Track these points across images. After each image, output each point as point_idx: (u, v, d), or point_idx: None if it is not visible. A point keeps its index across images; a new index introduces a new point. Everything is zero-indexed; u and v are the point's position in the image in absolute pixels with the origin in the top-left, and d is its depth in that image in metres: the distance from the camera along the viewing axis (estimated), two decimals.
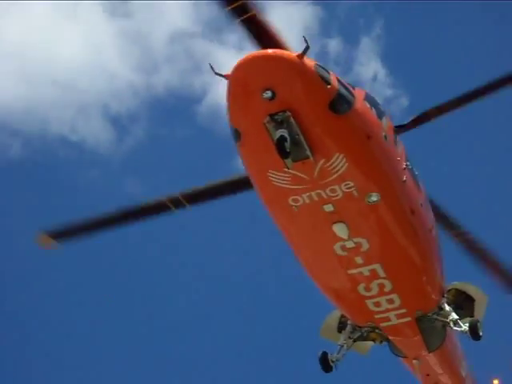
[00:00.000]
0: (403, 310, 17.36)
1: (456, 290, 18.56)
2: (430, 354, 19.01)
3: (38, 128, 39.87)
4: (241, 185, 16.67)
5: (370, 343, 19.48)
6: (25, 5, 37.91)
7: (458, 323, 17.72)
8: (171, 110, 41.88)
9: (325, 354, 18.06)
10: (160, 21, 37.92)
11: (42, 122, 40.16)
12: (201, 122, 41.98)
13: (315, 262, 16.54)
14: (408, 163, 15.97)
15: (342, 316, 18.93)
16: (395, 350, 19.29)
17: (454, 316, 17.79)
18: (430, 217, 16.89)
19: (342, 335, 18.66)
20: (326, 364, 17.98)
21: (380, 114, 15.02)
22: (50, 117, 40.13)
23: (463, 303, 18.52)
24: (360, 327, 18.43)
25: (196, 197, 17.34)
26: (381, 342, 19.13)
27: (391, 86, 40.95)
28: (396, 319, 17.61)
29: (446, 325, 18.14)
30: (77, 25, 41.18)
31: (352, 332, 18.62)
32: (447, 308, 17.83)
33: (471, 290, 18.63)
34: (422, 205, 16.32)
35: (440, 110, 16.35)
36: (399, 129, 16.23)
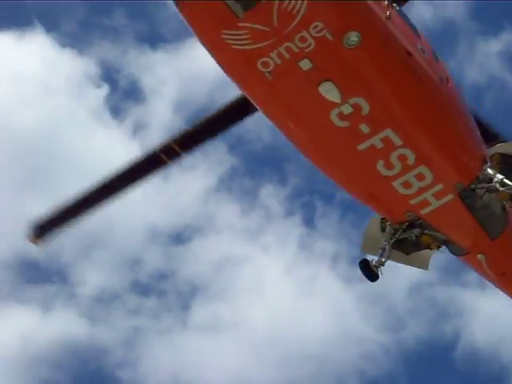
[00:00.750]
0: (440, 187, 14.77)
1: (500, 154, 15.66)
2: (494, 243, 16.02)
3: None
4: (238, 109, 14.93)
5: (428, 252, 16.79)
6: (271, 290, 40.01)
7: (505, 182, 14.93)
8: (427, 363, 40.48)
9: (365, 261, 15.56)
10: (397, 278, 37.19)
11: None
12: (459, 368, 40.06)
13: (317, 144, 14.31)
14: (395, 5, 13.61)
15: (383, 221, 16.24)
16: (454, 249, 16.40)
17: (499, 176, 15.00)
18: (439, 66, 14.41)
19: (382, 237, 16.03)
20: (369, 271, 15.46)
21: None
22: None
23: None
24: (401, 224, 15.69)
25: (191, 140, 15.56)
26: (438, 247, 16.37)
27: None
28: (435, 200, 14.95)
29: (504, 203, 15.51)
30: (317, 299, 41.66)
31: (394, 233, 15.95)
32: (490, 171, 15.04)
33: None
34: (423, 50, 13.90)
35: None
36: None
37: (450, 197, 14.91)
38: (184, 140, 15.53)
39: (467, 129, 14.88)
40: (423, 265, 17.08)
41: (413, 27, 14.02)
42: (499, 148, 15.57)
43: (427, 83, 13.81)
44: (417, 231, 15.83)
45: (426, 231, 15.84)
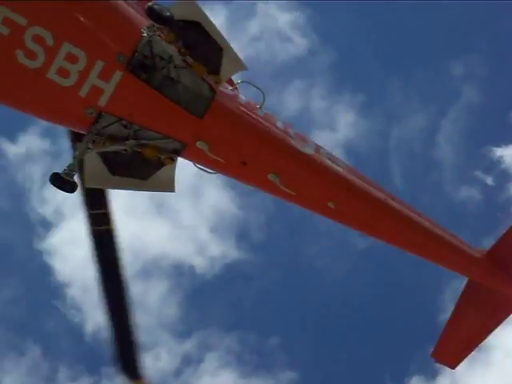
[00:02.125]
0: (100, 64, 12.79)
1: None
2: (206, 122, 13.92)
3: None
4: None
5: (167, 171, 14.42)
6: None
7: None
8: None
9: (55, 174, 13.59)
10: None
11: None
12: None
13: None
14: None
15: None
16: (178, 149, 14.27)
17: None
18: None
19: (77, 150, 13.81)
20: (62, 182, 13.50)
21: None
22: None
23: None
24: (91, 128, 13.54)
25: None
26: (171, 159, 14.22)
27: None
28: (106, 83, 12.93)
29: (204, 77, 13.62)
30: None
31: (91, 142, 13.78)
32: (149, 32, 13.01)
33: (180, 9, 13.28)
34: None
35: None
36: None
37: (118, 74, 12.94)
38: None
39: None
40: (168, 186, 14.72)
41: None
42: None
43: None
44: (131, 144, 13.79)
45: (142, 141, 13.83)
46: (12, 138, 37.26)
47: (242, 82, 14.76)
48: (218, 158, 14.22)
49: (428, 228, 16.89)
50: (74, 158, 13.67)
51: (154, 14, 12.57)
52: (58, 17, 12.25)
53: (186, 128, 13.84)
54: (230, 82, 14.81)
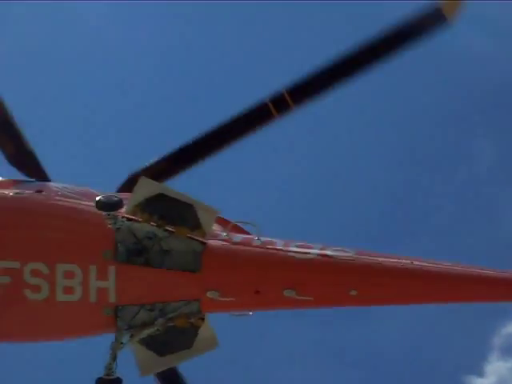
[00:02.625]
0: (94, 267, 14.26)
1: (138, 205, 14.72)
2: (205, 275, 15.03)
3: None
4: None
5: (204, 331, 15.32)
6: None
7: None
8: None
9: (99, 379, 14.54)
10: None
11: None
12: None
13: None
14: None
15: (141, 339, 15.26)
16: (197, 309, 15.26)
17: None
18: None
19: (111, 349, 14.75)
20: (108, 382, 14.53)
21: None
22: None
23: None
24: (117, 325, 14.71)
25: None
26: (201, 319, 15.27)
27: None
28: (107, 282, 14.37)
29: (189, 235, 14.79)
30: None
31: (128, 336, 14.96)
32: (124, 223, 14.48)
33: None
34: None
35: None
36: None
37: (112, 269, 14.31)
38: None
39: None
40: (212, 344, 15.52)
41: None
42: (134, 200, 14.58)
43: None
44: (161, 322, 14.88)
45: (169, 315, 14.91)
46: (478, 371, 37.47)
47: (237, 222, 15.76)
48: (232, 299, 15.15)
49: (467, 273, 16.98)
50: (110, 355, 14.67)
51: (104, 206, 13.90)
52: (41, 246, 13.91)
53: (192, 287, 14.97)
54: (226, 226, 15.79)
